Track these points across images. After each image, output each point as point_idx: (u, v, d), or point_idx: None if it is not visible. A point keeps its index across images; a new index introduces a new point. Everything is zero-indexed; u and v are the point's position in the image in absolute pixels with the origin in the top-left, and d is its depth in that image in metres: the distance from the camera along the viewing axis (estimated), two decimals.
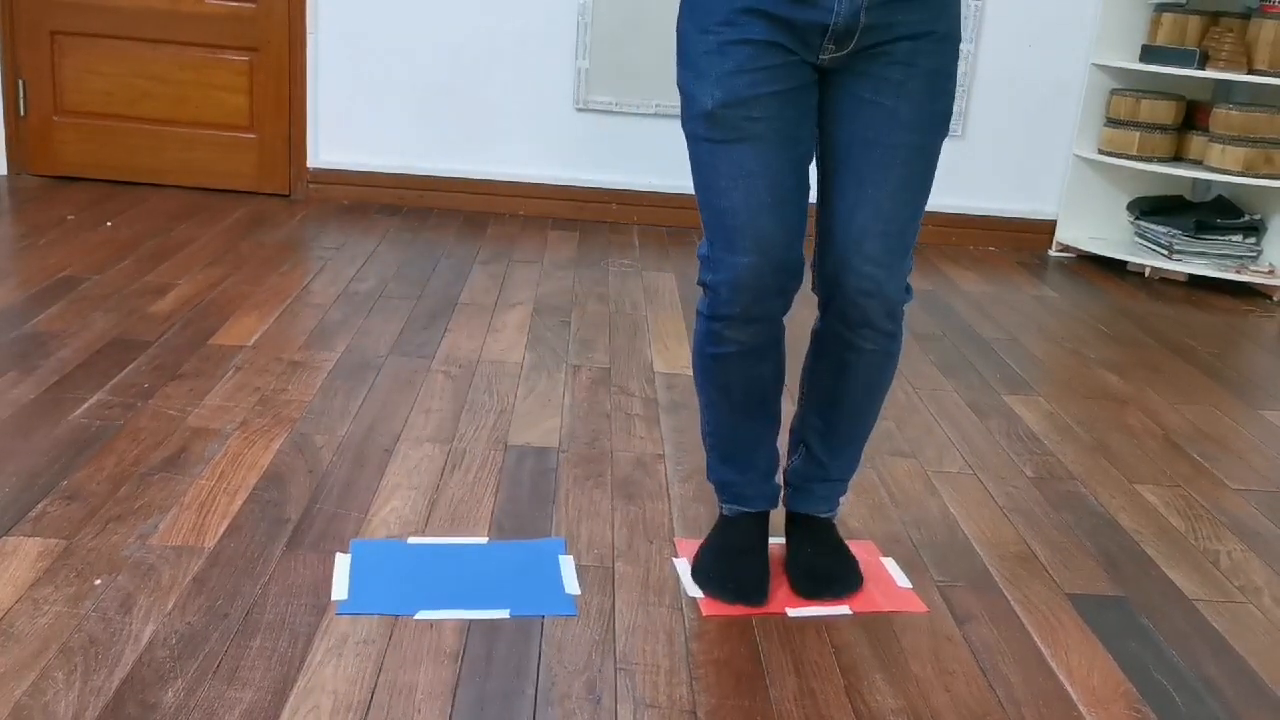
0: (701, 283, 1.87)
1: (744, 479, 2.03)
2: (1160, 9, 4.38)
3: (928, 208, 4.53)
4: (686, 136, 1.81)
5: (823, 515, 2.08)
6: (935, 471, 2.56)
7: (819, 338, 1.97)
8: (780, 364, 1.96)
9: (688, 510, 2.28)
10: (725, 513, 2.06)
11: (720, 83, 1.73)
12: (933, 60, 1.76)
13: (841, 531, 2.23)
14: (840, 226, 1.81)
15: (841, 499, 2.10)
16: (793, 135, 1.77)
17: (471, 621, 1.86)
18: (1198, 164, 4.40)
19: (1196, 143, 4.41)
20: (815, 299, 1.94)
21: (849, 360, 1.93)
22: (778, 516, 2.11)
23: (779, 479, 2.06)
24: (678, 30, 1.80)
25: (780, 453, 2.05)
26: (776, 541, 2.12)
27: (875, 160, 1.78)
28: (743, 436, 2.00)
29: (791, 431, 2.08)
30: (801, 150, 1.79)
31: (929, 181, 1.83)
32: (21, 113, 4.60)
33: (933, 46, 1.75)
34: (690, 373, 3.03)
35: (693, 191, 1.86)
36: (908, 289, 1.88)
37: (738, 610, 1.94)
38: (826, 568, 2.03)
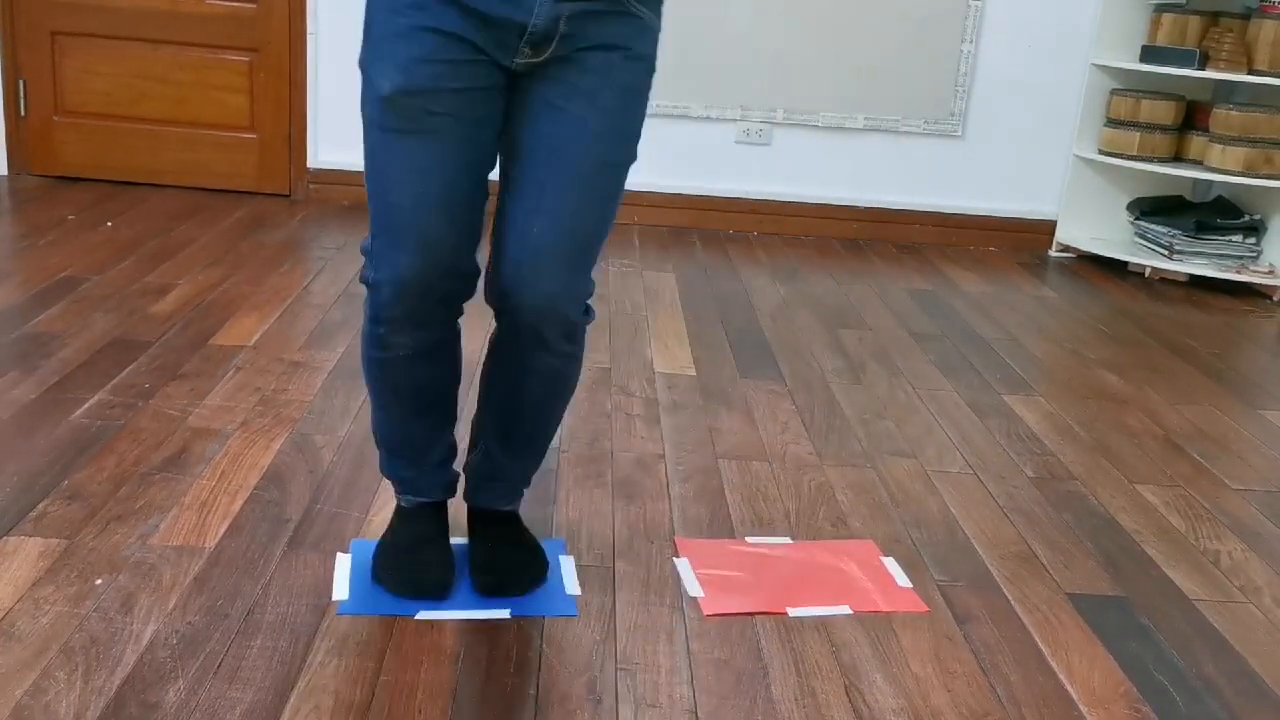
0: (364, 280, 1.76)
1: (417, 473, 1.95)
2: (1160, 9, 4.38)
3: (926, 206, 4.52)
4: (363, 121, 1.69)
5: (504, 509, 2.02)
6: (935, 471, 2.56)
7: (495, 350, 1.89)
8: (454, 366, 1.89)
9: (688, 510, 2.29)
10: (402, 504, 1.99)
11: (403, 69, 1.62)
12: (627, 76, 1.69)
13: (842, 531, 2.23)
14: (516, 239, 1.71)
15: (524, 491, 2.04)
16: (473, 137, 1.68)
17: (472, 622, 1.86)
18: (1198, 164, 4.40)
19: (1196, 143, 4.41)
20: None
21: (523, 379, 1.85)
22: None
23: (458, 467, 2.00)
24: (367, 9, 1.69)
25: (457, 442, 1.99)
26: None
27: (557, 170, 1.69)
28: (415, 435, 1.92)
29: (472, 425, 1.99)
30: (481, 155, 1.70)
31: (613, 203, 1.74)
32: (22, 113, 4.60)
33: (628, 63, 1.69)
34: (690, 373, 3.03)
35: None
36: (587, 310, 1.80)
37: (739, 607, 1.94)
38: (506, 560, 1.95)
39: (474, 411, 2.01)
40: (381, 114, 1.66)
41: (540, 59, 1.66)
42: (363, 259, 1.76)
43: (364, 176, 1.74)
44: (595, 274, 1.80)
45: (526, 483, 2.02)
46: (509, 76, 1.69)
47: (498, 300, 1.79)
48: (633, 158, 1.75)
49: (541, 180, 1.70)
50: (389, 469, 1.98)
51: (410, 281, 1.72)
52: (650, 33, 1.71)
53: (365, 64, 1.68)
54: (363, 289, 2.39)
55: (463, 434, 2.04)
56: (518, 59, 1.66)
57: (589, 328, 1.84)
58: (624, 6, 1.67)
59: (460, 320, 1.85)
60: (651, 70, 1.73)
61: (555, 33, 1.64)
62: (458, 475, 2.01)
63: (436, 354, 1.84)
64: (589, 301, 1.80)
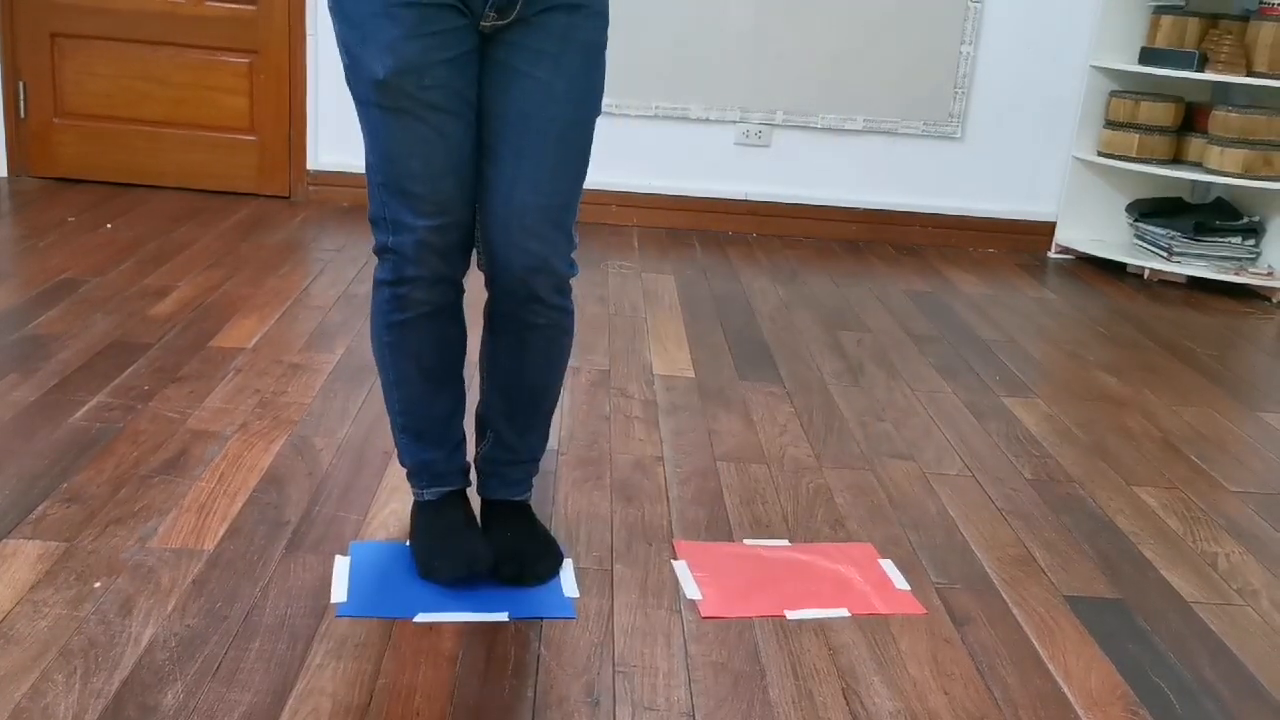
0: (382, 247, 1.84)
1: (441, 455, 2.01)
2: (1159, 11, 4.38)
3: (925, 208, 4.53)
4: (355, 99, 1.77)
5: (517, 499, 2.07)
6: (934, 473, 2.56)
7: (492, 317, 1.96)
8: (463, 329, 1.96)
9: (686, 512, 2.29)
10: (427, 498, 2.03)
11: (391, 50, 1.68)
12: (587, 34, 1.77)
13: (840, 534, 2.23)
14: (501, 202, 1.79)
15: (534, 478, 2.10)
16: (464, 100, 1.76)
17: (470, 624, 1.86)
18: (1197, 166, 4.40)
19: (1195, 145, 4.42)
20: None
21: (525, 338, 1.92)
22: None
23: (470, 462, 2.07)
24: None
25: (467, 432, 2.05)
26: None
27: (533, 134, 1.76)
28: (437, 410, 1.98)
29: (477, 418, 2.06)
30: (471, 114, 1.78)
31: (587, 156, 1.83)
32: (22, 115, 4.61)
33: (586, 21, 1.76)
34: (689, 375, 3.03)
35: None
36: (572, 264, 1.88)
37: (737, 609, 1.95)
38: (527, 551, 1.99)
39: (477, 407, 2.06)
40: (379, 95, 1.73)
41: (505, 21, 1.73)
42: (371, 227, 1.87)
43: (365, 149, 1.81)
44: (577, 239, 1.89)
45: (535, 466, 2.08)
46: (480, 38, 1.76)
47: (490, 263, 1.87)
48: (599, 111, 1.83)
49: (518, 146, 1.78)
50: (414, 457, 2.02)
51: (432, 241, 1.80)
52: None
53: (349, 45, 1.73)
54: (360, 285, 2.39)
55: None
56: (484, 23, 1.73)
57: (574, 281, 1.92)
58: None
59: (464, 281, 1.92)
60: (607, 23, 1.80)
61: None
62: (470, 465, 2.06)
63: (449, 311, 1.92)
64: (573, 256, 1.89)
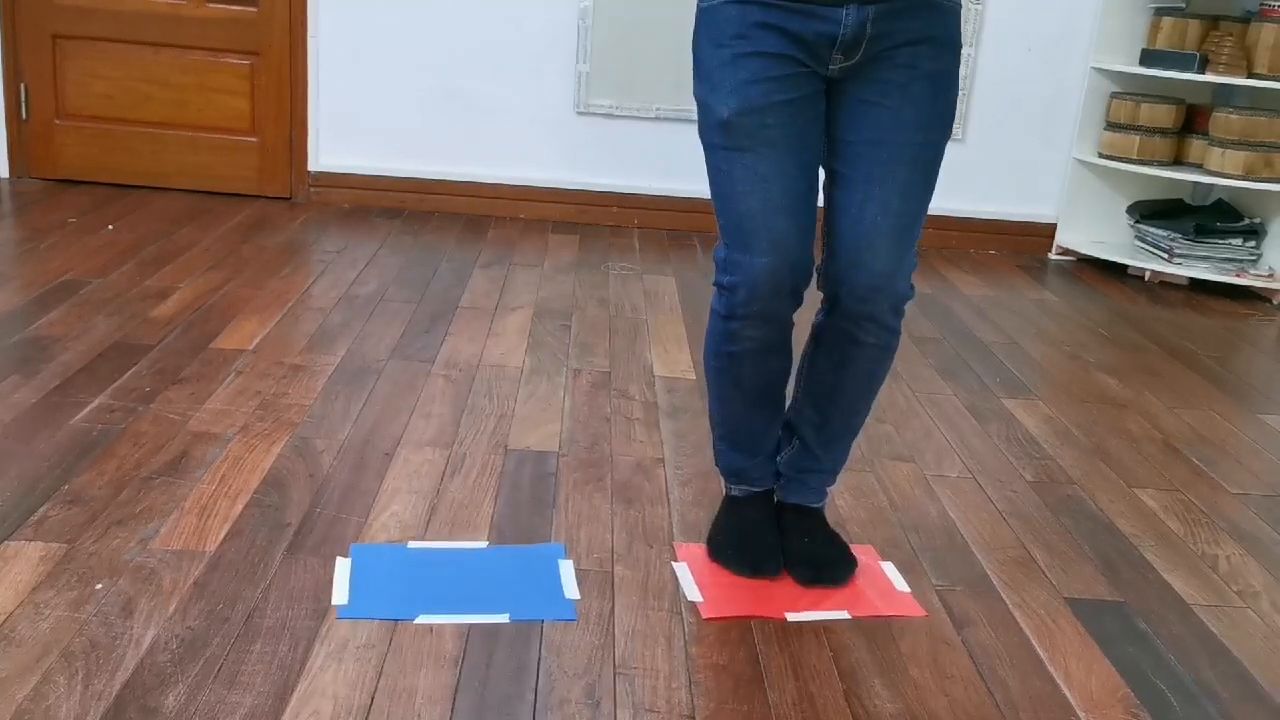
0: (718, 284, 1.92)
1: (753, 463, 2.10)
2: (1160, 13, 4.38)
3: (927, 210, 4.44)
4: (704, 146, 1.87)
5: (813, 505, 2.14)
6: (934, 475, 2.56)
7: (820, 332, 2.02)
8: (789, 357, 2.03)
9: (687, 514, 2.29)
10: (734, 494, 2.14)
11: (735, 92, 1.79)
12: (934, 63, 1.83)
13: (840, 535, 2.23)
14: (850, 225, 1.87)
15: (829, 489, 2.16)
16: (803, 142, 1.83)
17: (471, 626, 1.87)
18: (1198, 168, 4.40)
19: (1196, 146, 4.42)
20: (818, 296, 1.98)
21: (851, 354, 1.98)
22: None
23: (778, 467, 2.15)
24: (694, 46, 1.87)
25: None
26: None
27: (882, 159, 1.84)
28: (754, 426, 2.07)
29: (785, 423, 2.13)
30: (810, 156, 1.85)
31: (933, 180, 1.89)
32: (23, 116, 4.61)
33: (933, 51, 1.82)
34: (690, 377, 3.03)
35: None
36: (911, 286, 1.94)
37: (738, 611, 1.95)
38: (824, 555, 2.09)
39: (786, 412, 2.12)
40: (723, 136, 1.83)
41: (853, 62, 1.80)
42: (715, 266, 1.97)
43: (711, 195, 1.90)
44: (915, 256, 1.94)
45: (834, 477, 2.15)
46: (826, 81, 1.84)
47: (833, 285, 1.93)
48: (949, 134, 1.90)
49: (869, 171, 1.85)
50: (727, 461, 2.13)
51: (763, 280, 1.86)
52: (953, 15, 1.84)
53: (701, 96, 1.86)
54: (361, 287, 2.39)
55: None
56: (832, 66, 1.81)
57: (910, 304, 1.98)
58: None
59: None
60: (959, 49, 1.86)
61: (864, 36, 1.78)
62: (778, 469, 2.14)
63: (777, 346, 1.99)
64: (912, 279, 1.95)
